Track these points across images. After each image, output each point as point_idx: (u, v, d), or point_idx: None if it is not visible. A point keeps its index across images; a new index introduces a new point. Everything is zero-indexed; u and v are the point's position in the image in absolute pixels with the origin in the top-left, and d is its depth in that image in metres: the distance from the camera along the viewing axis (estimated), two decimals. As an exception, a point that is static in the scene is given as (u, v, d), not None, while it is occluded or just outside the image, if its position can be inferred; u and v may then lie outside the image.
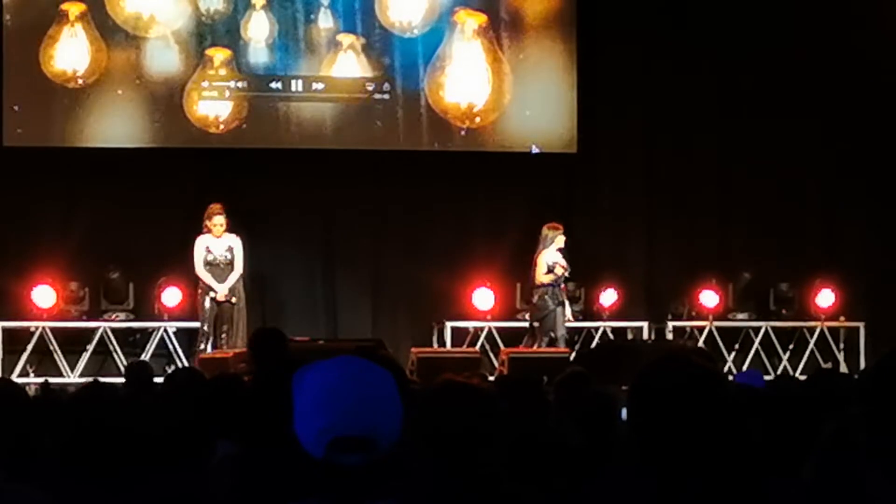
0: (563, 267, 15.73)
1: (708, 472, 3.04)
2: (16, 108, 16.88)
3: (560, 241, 15.81)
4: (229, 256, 15.38)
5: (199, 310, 15.63)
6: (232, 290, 15.39)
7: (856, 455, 3.04)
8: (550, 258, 15.70)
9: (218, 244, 15.39)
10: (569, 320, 16.18)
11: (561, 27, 17.82)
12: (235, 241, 15.46)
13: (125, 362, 16.62)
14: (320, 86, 17.42)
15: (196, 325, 15.72)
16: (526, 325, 17.17)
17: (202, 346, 15.39)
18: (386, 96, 17.52)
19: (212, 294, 15.32)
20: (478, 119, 17.67)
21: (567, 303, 16.07)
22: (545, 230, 15.89)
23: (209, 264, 15.37)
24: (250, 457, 4.37)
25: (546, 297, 15.75)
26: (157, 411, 5.28)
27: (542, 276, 15.73)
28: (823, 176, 18.27)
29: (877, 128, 18.17)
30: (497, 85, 17.70)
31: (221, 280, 15.35)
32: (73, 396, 5.20)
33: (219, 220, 15.37)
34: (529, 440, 4.90)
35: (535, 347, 15.86)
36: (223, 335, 15.40)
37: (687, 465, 3.04)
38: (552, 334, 15.74)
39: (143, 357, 16.67)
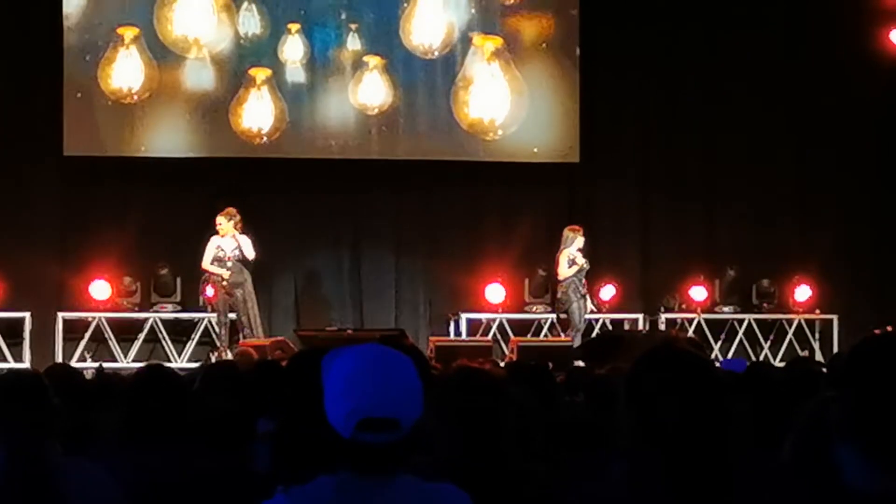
0: (583, 258, 15.71)
1: (698, 450, 3.03)
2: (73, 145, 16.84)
3: (580, 241, 15.77)
4: (238, 254, 15.33)
5: (211, 300, 15.63)
6: (238, 282, 15.33)
7: (830, 436, 3.02)
8: (571, 254, 15.66)
9: (226, 243, 15.36)
10: (592, 311, 16.19)
11: (564, 49, 17.79)
12: (242, 239, 15.32)
13: (173, 349, 16.70)
14: (351, 102, 17.40)
15: (233, 316, 15.65)
16: (535, 317, 17.26)
17: (222, 332, 15.45)
18: (408, 112, 17.52)
19: (223, 283, 15.27)
20: (500, 132, 17.62)
21: (588, 296, 16.03)
22: (566, 231, 15.85)
23: (218, 260, 15.35)
24: (285, 434, 4.36)
25: (569, 291, 15.70)
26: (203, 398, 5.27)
27: (565, 272, 15.66)
28: (802, 182, 18.25)
29: (848, 137, 18.14)
30: (515, 100, 17.64)
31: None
32: (131, 381, 5.18)
33: (218, 221, 15.30)
34: (539, 419, 4.89)
35: (565, 336, 15.88)
36: (244, 325, 15.41)
37: (680, 444, 3.03)
38: (577, 325, 15.76)
39: (188, 345, 16.77)
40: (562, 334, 16.06)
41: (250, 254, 15.28)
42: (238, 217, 15.32)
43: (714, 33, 18.02)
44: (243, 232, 15.35)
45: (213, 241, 15.37)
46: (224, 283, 15.28)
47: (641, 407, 3.11)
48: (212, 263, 15.35)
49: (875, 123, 18.24)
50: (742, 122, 18.00)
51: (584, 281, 15.86)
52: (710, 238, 18.20)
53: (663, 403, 3.07)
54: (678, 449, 3.03)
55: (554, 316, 16.72)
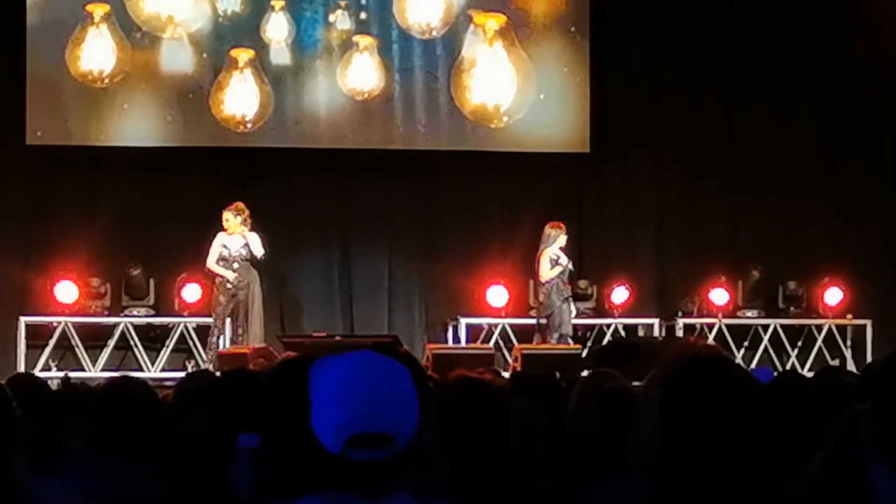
0: (567, 259, 15.74)
1: (733, 461, 3.06)
2: (38, 133, 16.84)
3: (562, 239, 15.84)
4: (245, 253, 15.30)
5: (212, 304, 15.63)
6: (244, 283, 15.30)
7: (862, 452, 3.04)
8: (553, 254, 15.73)
9: (233, 241, 15.33)
10: (587, 315, 16.21)
11: (573, 27, 17.79)
12: (251, 236, 15.33)
13: (146, 357, 16.70)
14: (341, 86, 17.39)
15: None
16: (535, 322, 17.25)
17: (214, 339, 15.43)
18: (405, 97, 17.52)
19: (228, 286, 15.25)
20: (506, 118, 17.61)
21: (571, 299, 16.06)
22: (548, 229, 15.92)
23: (223, 260, 15.33)
24: (269, 450, 4.37)
25: (552, 293, 15.76)
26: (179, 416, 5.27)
27: (546, 273, 15.72)
28: (831, 173, 18.25)
29: (884, 124, 18.14)
30: (521, 84, 17.63)
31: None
32: (101, 392, 5.19)
33: (225, 216, 15.30)
34: (545, 433, 4.90)
35: (546, 344, 15.86)
36: (239, 330, 15.40)
37: (716, 456, 3.05)
38: (561, 330, 15.76)
39: (162, 353, 16.75)
40: (545, 342, 15.96)
41: (259, 252, 15.25)
42: (247, 212, 15.31)
43: (736, 9, 18.02)
44: (252, 229, 15.34)
45: (219, 239, 15.32)
46: (229, 285, 15.25)
47: (676, 419, 3.13)
48: (217, 263, 15.32)
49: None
50: (768, 107, 18.02)
51: (566, 283, 15.92)
52: (732, 235, 18.22)
53: (700, 414, 3.09)
54: (713, 461, 3.05)
55: (544, 321, 16.57)
